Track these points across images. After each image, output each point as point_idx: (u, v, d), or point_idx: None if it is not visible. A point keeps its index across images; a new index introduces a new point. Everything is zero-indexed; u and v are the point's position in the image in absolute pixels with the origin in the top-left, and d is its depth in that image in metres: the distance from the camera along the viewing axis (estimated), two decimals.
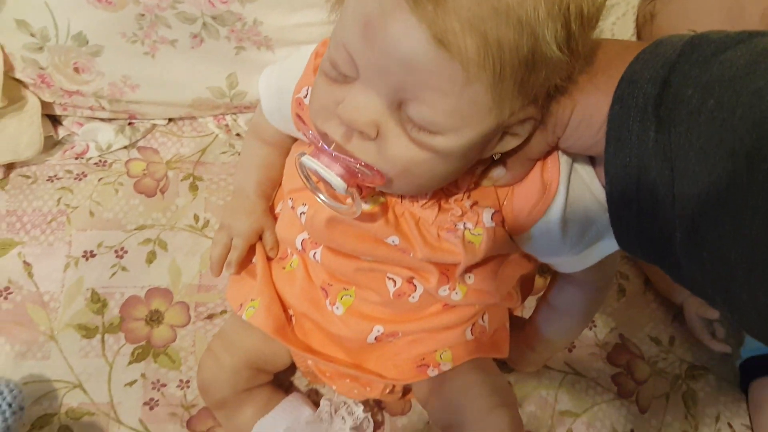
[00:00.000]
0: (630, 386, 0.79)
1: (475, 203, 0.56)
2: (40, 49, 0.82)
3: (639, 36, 0.80)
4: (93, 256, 0.82)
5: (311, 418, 0.68)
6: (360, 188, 0.52)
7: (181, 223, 0.86)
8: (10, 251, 0.82)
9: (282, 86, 0.61)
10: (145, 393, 0.75)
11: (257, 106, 0.68)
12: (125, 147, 0.91)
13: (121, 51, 0.84)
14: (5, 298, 0.79)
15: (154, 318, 0.79)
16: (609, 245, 0.58)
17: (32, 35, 0.81)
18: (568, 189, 0.55)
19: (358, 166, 0.48)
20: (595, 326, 0.82)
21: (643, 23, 0.78)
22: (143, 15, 0.80)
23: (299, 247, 0.64)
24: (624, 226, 0.47)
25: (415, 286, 0.62)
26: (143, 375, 0.76)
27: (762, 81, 0.38)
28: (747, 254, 0.38)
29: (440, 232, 0.57)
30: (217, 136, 0.94)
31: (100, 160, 0.90)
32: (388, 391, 0.70)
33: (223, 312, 0.80)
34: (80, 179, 0.88)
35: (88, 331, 0.77)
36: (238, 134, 0.94)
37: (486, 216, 0.57)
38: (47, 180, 0.88)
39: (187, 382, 0.76)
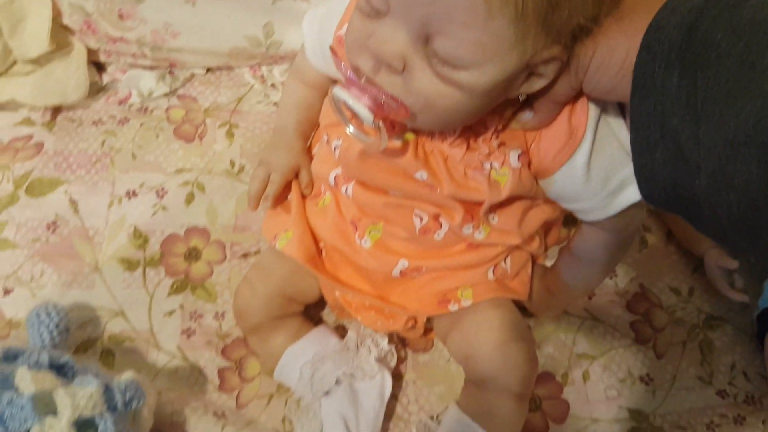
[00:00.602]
0: (647, 333, 0.81)
1: (502, 144, 0.58)
2: None
3: None
4: (135, 195, 0.87)
5: (338, 347, 0.72)
6: (389, 123, 0.55)
7: (218, 167, 0.90)
8: (58, 188, 0.86)
9: (324, 26, 0.64)
10: (183, 322, 0.79)
11: (300, 47, 0.71)
12: (165, 94, 0.95)
13: None
14: (53, 232, 0.83)
15: (193, 254, 0.83)
16: (632, 195, 0.59)
17: None
18: (594, 136, 0.56)
19: (384, 98, 0.50)
20: (615, 275, 0.84)
21: None
22: None
23: (332, 183, 0.67)
24: (647, 174, 0.48)
25: (441, 223, 0.64)
26: (181, 306, 0.80)
27: None
28: None
29: (467, 171, 0.59)
30: (252, 86, 0.97)
31: (141, 107, 0.94)
32: (410, 325, 0.73)
33: (257, 252, 0.84)
34: (123, 124, 0.92)
35: (130, 264, 0.82)
36: (272, 85, 0.97)
37: (512, 156, 0.58)
38: (92, 124, 0.92)
39: (223, 314, 0.80)
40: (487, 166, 0.59)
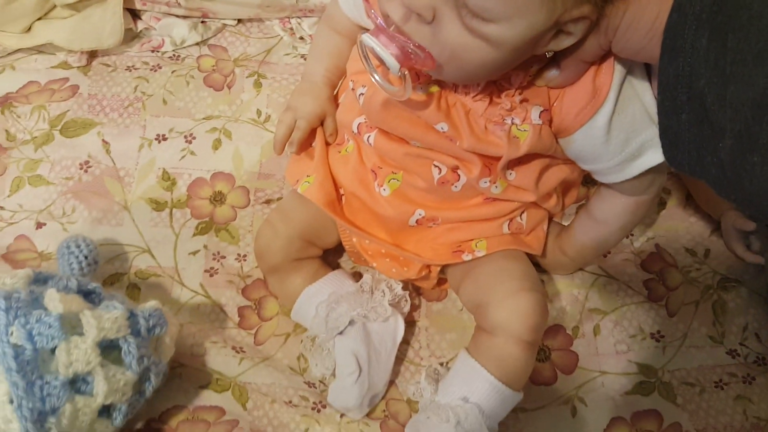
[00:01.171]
0: (661, 291, 0.82)
1: (525, 100, 0.59)
2: None
3: None
4: (165, 139, 0.89)
5: (353, 289, 0.74)
6: (414, 74, 0.56)
7: (245, 116, 0.92)
8: (91, 130, 0.89)
9: None
10: (207, 262, 0.82)
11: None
12: (197, 44, 0.97)
13: None
14: (85, 171, 0.86)
15: (218, 198, 0.86)
16: (651, 159, 0.59)
17: None
18: (618, 97, 0.57)
19: (411, 47, 0.51)
20: (632, 235, 0.85)
21: None
22: None
23: (355, 130, 0.69)
24: (671, 137, 0.49)
25: (459, 175, 0.66)
26: (205, 246, 0.83)
27: None
28: None
29: (488, 125, 0.60)
30: (282, 38, 0.99)
31: (174, 55, 0.96)
32: (424, 273, 0.75)
33: (279, 198, 0.86)
34: (155, 70, 0.95)
35: (158, 205, 0.85)
36: (301, 37, 0.98)
37: (534, 113, 0.59)
38: (126, 69, 0.94)
39: (245, 256, 0.82)
40: (508, 121, 0.60)
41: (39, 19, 0.93)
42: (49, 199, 0.84)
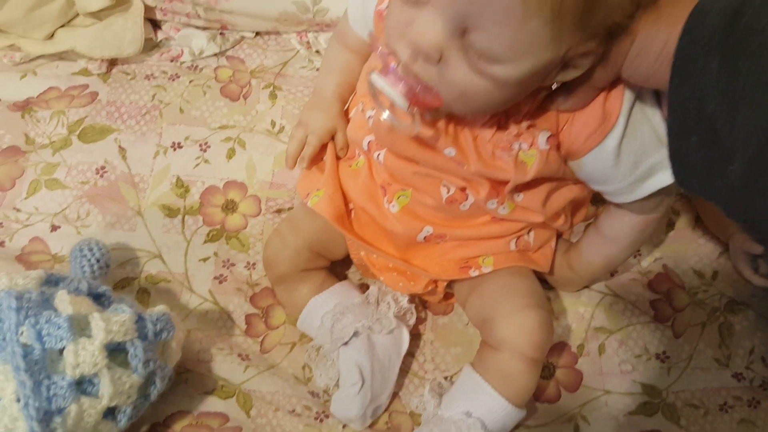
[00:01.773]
0: (667, 312, 0.81)
1: (532, 125, 0.59)
2: None
3: None
4: (180, 147, 0.91)
5: (359, 300, 0.74)
6: (422, 106, 0.57)
7: (260, 126, 0.93)
8: (108, 136, 0.91)
9: None
10: (216, 269, 0.83)
11: (344, 13, 0.73)
12: (215, 54, 0.99)
13: None
14: (101, 176, 0.88)
15: (230, 206, 0.87)
16: (660, 180, 0.60)
17: None
18: (627, 121, 0.57)
19: (419, 87, 0.52)
20: (639, 254, 0.85)
21: None
22: None
23: (365, 148, 0.69)
24: (681, 159, 0.49)
25: (467, 195, 0.66)
26: (216, 253, 0.84)
27: None
28: None
29: (495, 150, 0.61)
30: (298, 51, 1.00)
31: (192, 65, 0.98)
32: (430, 288, 0.75)
33: (290, 208, 0.87)
34: (173, 80, 0.96)
35: (171, 211, 0.86)
36: (317, 51, 1.00)
37: (541, 138, 0.60)
38: (144, 78, 0.96)
39: (254, 264, 0.83)
40: (516, 146, 0.60)
41: (62, 26, 0.96)
42: (64, 202, 0.86)
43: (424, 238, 0.70)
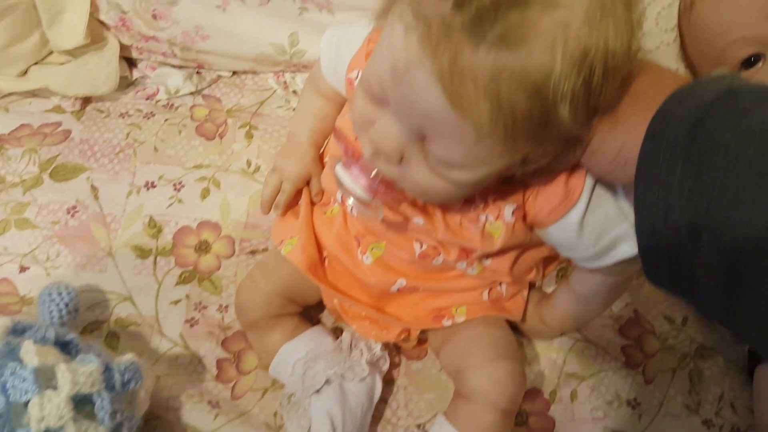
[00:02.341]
0: (638, 358, 0.82)
1: (499, 197, 0.60)
2: None
3: (680, 24, 0.82)
4: (153, 186, 0.90)
5: (332, 347, 0.74)
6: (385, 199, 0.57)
7: (235, 166, 0.93)
8: (80, 175, 0.90)
9: (339, 54, 0.66)
10: (188, 312, 0.82)
11: (317, 60, 0.74)
12: (191, 93, 0.99)
13: (196, 2, 0.91)
14: (72, 216, 0.87)
15: (203, 247, 0.87)
16: (624, 251, 0.60)
17: None
18: (591, 197, 0.57)
19: (377, 184, 0.53)
20: None
21: (683, 11, 0.80)
22: None
23: (339, 199, 0.70)
24: (652, 260, 0.47)
25: (440, 251, 0.67)
26: (188, 296, 0.83)
27: None
28: None
29: (463, 221, 0.62)
30: (275, 91, 1.00)
31: (167, 103, 0.98)
32: (403, 337, 0.75)
33: (265, 249, 0.87)
34: (148, 118, 0.96)
35: (142, 252, 0.85)
36: (294, 91, 1.00)
37: (507, 211, 0.60)
38: (119, 116, 0.96)
39: (226, 307, 0.82)
40: (483, 218, 0.61)
41: (36, 63, 0.95)
42: (34, 242, 0.85)
43: (398, 289, 0.70)
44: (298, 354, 0.73)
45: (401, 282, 0.69)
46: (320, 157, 0.77)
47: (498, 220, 0.60)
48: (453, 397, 0.72)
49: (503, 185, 0.59)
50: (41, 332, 0.65)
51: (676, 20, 0.84)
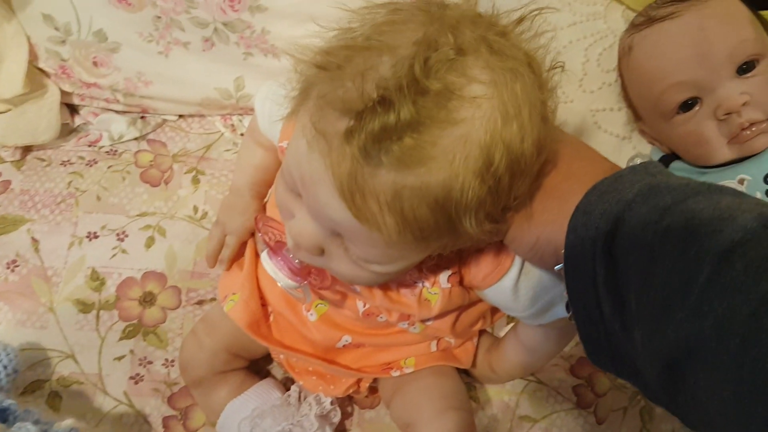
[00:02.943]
0: (589, 398, 0.82)
1: (434, 265, 0.59)
2: (63, 42, 0.89)
3: (619, 67, 0.84)
4: (96, 237, 0.88)
5: (279, 402, 0.73)
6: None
7: (181, 212, 0.91)
8: (21, 227, 0.88)
9: (273, 115, 0.65)
10: (132, 368, 0.80)
11: (254, 113, 0.73)
12: (136, 138, 0.97)
13: (137, 49, 0.90)
14: (12, 270, 0.85)
15: (148, 299, 0.85)
16: (561, 312, 0.58)
17: (56, 29, 0.87)
18: (523, 262, 0.57)
19: (302, 271, 0.54)
20: None
21: (622, 55, 0.82)
22: (159, 17, 0.86)
23: None
24: (593, 348, 0.47)
25: (381, 311, 0.66)
26: (132, 351, 0.81)
27: (726, 237, 0.37)
28: (723, 406, 0.36)
29: (400, 288, 0.62)
30: (222, 134, 0.99)
31: (111, 149, 0.96)
32: (351, 390, 0.74)
33: (212, 299, 0.85)
34: (91, 165, 0.94)
35: (84, 306, 0.83)
36: (242, 134, 0.99)
37: (443, 277, 0.60)
38: (60, 164, 0.94)
39: (172, 361, 0.80)
40: (420, 284, 0.61)
41: None
42: None
43: (344, 345, 0.70)
44: (245, 412, 0.72)
45: (347, 338, 0.68)
46: (263, 208, 0.76)
47: (434, 287, 0.60)
48: None
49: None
50: None
51: (617, 61, 0.85)
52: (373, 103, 0.41)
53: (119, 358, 0.80)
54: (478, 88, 0.42)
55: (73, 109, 0.98)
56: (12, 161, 0.93)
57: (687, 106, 0.76)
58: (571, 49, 0.87)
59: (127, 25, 0.87)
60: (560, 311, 0.59)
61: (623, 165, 0.50)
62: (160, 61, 0.91)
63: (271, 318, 0.72)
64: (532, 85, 0.45)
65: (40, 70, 0.93)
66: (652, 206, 0.41)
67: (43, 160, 0.94)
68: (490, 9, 0.49)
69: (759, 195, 0.72)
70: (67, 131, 0.96)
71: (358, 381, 0.73)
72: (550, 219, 0.47)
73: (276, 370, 0.81)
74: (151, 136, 0.98)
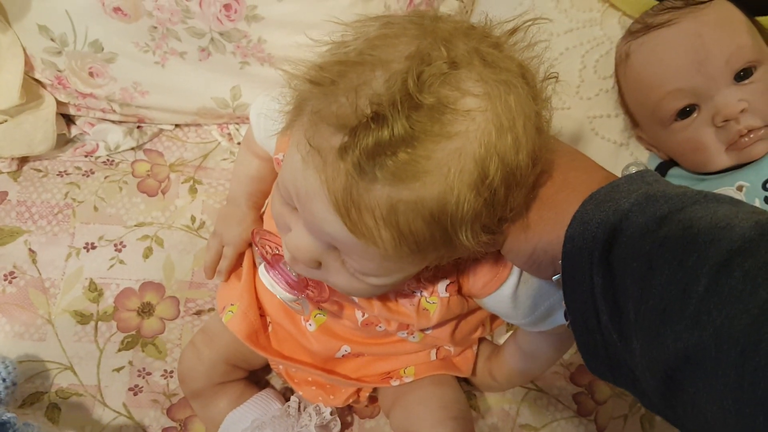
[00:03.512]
0: (590, 405, 0.82)
1: (432, 275, 0.60)
2: (59, 53, 0.88)
3: (616, 74, 0.84)
4: (94, 248, 0.88)
5: (278, 413, 0.72)
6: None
7: (179, 222, 0.91)
8: (18, 239, 0.88)
9: (267, 130, 0.65)
10: (131, 379, 0.80)
11: (251, 124, 0.73)
12: (132, 148, 0.97)
13: (133, 59, 0.89)
14: (10, 282, 0.84)
15: (146, 310, 0.84)
16: (561, 318, 0.60)
17: (52, 40, 0.87)
18: (521, 272, 0.57)
19: (299, 284, 0.54)
20: None
21: (619, 62, 0.82)
22: (156, 27, 0.86)
23: None
24: (591, 356, 0.47)
25: (380, 321, 0.66)
26: (130, 362, 0.80)
27: (724, 246, 0.37)
28: (723, 415, 0.35)
29: (398, 298, 0.62)
30: (219, 143, 0.99)
31: (107, 159, 0.96)
32: (351, 400, 0.74)
33: (211, 309, 0.85)
34: (88, 176, 0.94)
35: (83, 318, 0.83)
36: (239, 143, 0.99)
37: (441, 287, 0.60)
38: (57, 175, 0.93)
39: (171, 372, 0.80)
40: (418, 293, 0.61)
41: None
42: None
43: (343, 355, 0.69)
44: (244, 423, 0.72)
45: (346, 348, 0.68)
46: (261, 218, 0.76)
47: (433, 296, 0.60)
48: None
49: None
50: None
51: (614, 68, 0.85)
52: (367, 119, 0.40)
53: (118, 370, 0.80)
54: (471, 101, 0.42)
55: (69, 120, 0.97)
56: (8, 172, 0.93)
57: (685, 113, 0.76)
58: (567, 55, 0.87)
59: (123, 36, 0.87)
60: (560, 318, 0.59)
61: (620, 172, 0.50)
62: (156, 71, 0.91)
63: (270, 328, 0.72)
64: (526, 96, 0.45)
65: (36, 80, 0.92)
66: (649, 215, 0.41)
67: (39, 170, 0.94)
68: (483, 20, 0.49)
69: (758, 202, 0.72)
70: (63, 142, 0.96)
71: (358, 391, 0.73)
72: (546, 229, 0.47)
73: (275, 381, 0.81)
74: (147, 146, 0.98)
